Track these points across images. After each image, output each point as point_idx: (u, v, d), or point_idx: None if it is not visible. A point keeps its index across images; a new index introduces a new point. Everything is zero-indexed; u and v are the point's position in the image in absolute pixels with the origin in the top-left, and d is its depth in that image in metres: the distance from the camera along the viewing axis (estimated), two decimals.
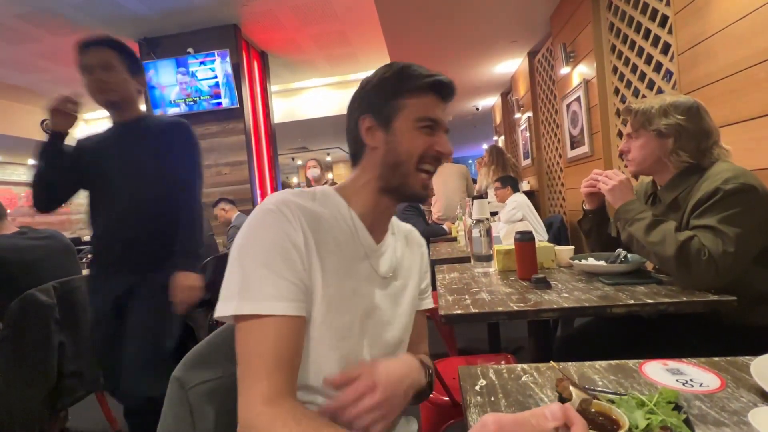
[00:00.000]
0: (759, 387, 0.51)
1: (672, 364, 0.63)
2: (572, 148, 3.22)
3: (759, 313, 1.03)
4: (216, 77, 3.67)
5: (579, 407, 0.44)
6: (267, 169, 4.34)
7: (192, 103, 3.76)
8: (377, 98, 0.65)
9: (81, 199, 1.45)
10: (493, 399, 0.59)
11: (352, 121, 0.67)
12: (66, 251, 1.84)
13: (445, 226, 3.30)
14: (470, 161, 11.96)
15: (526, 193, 3.87)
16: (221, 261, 2.50)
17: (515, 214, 3.01)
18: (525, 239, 1.30)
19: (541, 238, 2.99)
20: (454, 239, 2.87)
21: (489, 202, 4.00)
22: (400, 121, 0.64)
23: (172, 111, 3.79)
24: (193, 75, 3.70)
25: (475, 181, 4.46)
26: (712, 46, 1.62)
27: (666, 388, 0.50)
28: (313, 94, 5.97)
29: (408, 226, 0.81)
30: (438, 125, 0.65)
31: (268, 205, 0.58)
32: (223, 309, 0.53)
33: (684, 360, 0.64)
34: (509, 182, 3.24)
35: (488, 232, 1.49)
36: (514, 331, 2.45)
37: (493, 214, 3.47)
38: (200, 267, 2.34)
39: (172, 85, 3.74)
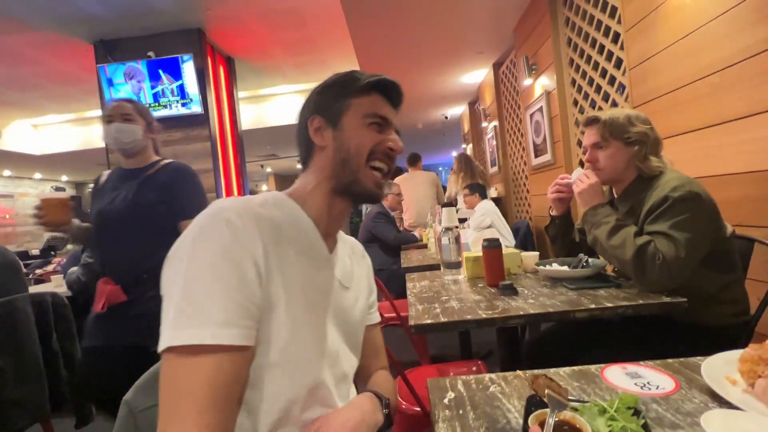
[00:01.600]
0: (710, 387, 0.54)
1: (630, 367, 0.65)
2: (536, 156, 3.34)
3: (709, 313, 1.09)
4: (178, 84, 3.54)
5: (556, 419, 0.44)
6: (234, 176, 4.21)
7: (154, 109, 3.60)
8: (325, 99, 0.64)
9: (27, 210, 1.40)
10: (461, 412, 0.58)
11: (301, 124, 0.65)
12: (9, 268, 1.70)
13: (416, 233, 3.33)
14: (440, 169, 12.17)
15: (494, 199, 3.98)
16: None
17: (484, 221, 3.08)
18: (492, 246, 1.32)
19: (509, 243, 3.08)
20: (425, 246, 2.89)
21: (458, 209, 4.08)
22: (348, 117, 0.63)
23: None
24: (153, 81, 3.55)
25: (445, 189, 4.53)
26: (659, 62, 1.73)
27: (626, 393, 0.52)
28: (283, 100, 5.89)
29: (351, 238, 0.78)
30: (387, 123, 0.65)
31: (223, 214, 0.51)
32: (160, 345, 0.45)
33: (642, 363, 0.66)
34: (477, 189, 3.31)
35: (457, 239, 1.51)
36: (486, 334, 2.50)
37: (463, 221, 3.54)
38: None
39: (130, 91, 3.57)
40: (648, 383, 0.59)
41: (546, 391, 0.48)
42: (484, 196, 3.32)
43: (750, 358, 0.53)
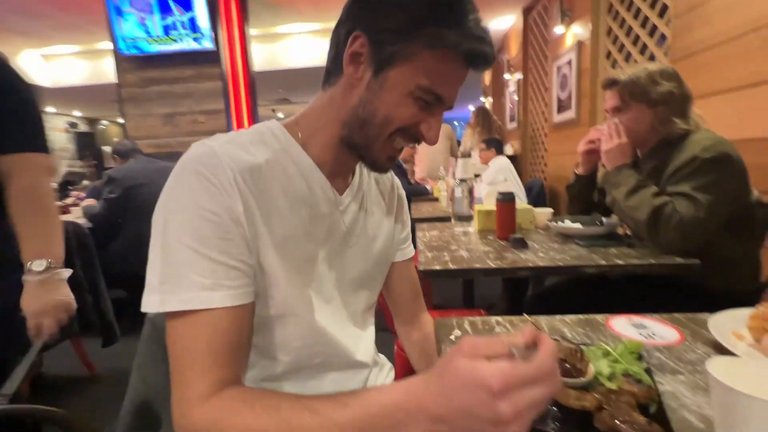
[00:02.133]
0: (714, 340, 0.55)
1: (636, 319, 0.66)
2: (558, 112, 3.19)
3: (720, 277, 1.09)
4: (189, 17, 3.37)
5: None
6: (246, 120, 4.14)
7: (164, 43, 3.47)
8: (386, 24, 0.47)
9: None
10: None
11: (342, 29, 0.51)
12: None
13: (427, 186, 3.30)
14: (456, 123, 11.79)
15: (509, 157, 3.88)
16: None
17: (498, 177, 3.03)
18: (506, 200, 1.31)
19: (521, 201, 3.04)
20: (436, 200, 2.88)
21: (473, 164, 4.00)
22: (398, 73, 0.47)
23: (144, 51, 3.50)
24: (164, 13, 3.39)
25: (459, 143, 4.42)
26: (710, 10, 1.58)
27: (630, 340, 0.53)
28: (297, 40, 5.61)
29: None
30: (441, 104, 0.51)
31: (191, 164, 0.45)
32: (147, 303, 0.44)
33: (647, 315, 0.67)
34: (494, 144, 3.22)
35: (470, 192, 1.49)
36: (488, 289, 2.55)
37: (477, 176, 3.48)
38: None
39: (142, 23, 3.42)
40: (652, 334, 0.61)
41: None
42: (500, 151, 3.23)
43: (761, 315, 0.53)
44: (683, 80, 1.13)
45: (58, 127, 9.41)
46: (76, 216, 2.64)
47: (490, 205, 1.43)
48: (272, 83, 6.93)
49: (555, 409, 0.42)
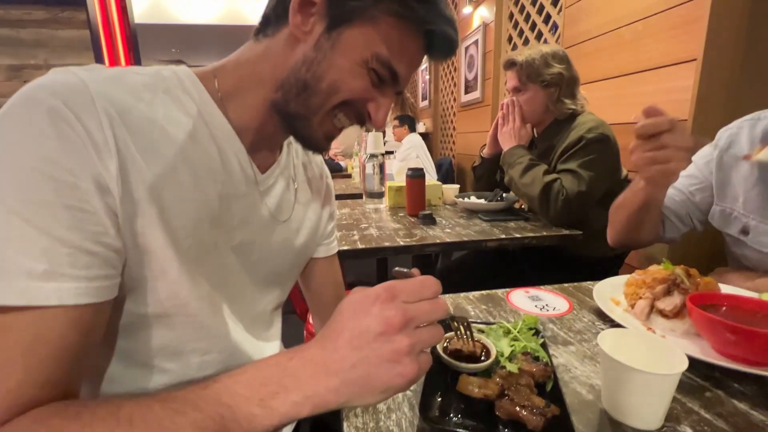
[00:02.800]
0: (598, 308, 0.59)
1: (532, 291, 0.69)
2: (466, 92, 3.32)
3: (595, 246, 1.23)
4: None
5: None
6: None
7: None
8: None
9: None
10: None
11: None
12: None
13: (342, 163, 3.21)
14: None
15: (422, 134, 3.96)
16: None
17: (410, 154, 3.07)
18: (416, 176, 1.29)
19: (432, 178, 3.14)
20: (350, 176, 2.82)
21: (386, 141, 4.00)
22: (355, 33, 0.41)
23: None
24: None
25: None
26: (592, 3, 1.73)
27: (528, 315, 0.53)
28: None
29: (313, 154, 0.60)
30: (394, 83, 0.45)
31: (43, 95, 0.32)
32: None
33: (542, 287, 0.70)
34: (407, 121, 3.24)
35: (381, 167, 1.45)
36: (402, 264, 2.61)
37: (390, 153, 3.49)
38: None
39: None
40: (546, 305, 0.63)
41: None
42: (413, 129, 3.27)
43: (634, 282, 0.58)
44: (572, 63, 1.22)
45: None
46: None
47: (401, 181, 1.41)
48: (163, 39, 5.99)
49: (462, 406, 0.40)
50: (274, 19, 0.43)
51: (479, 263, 1.43)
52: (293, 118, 0.44)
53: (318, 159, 0.61)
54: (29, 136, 0.31)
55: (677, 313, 0.51)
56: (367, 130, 3.83)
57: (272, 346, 0.55)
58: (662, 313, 0.52)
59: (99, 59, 3.06)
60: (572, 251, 1.22)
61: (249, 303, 0.50)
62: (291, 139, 0.53)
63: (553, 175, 1.13)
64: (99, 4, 3.13)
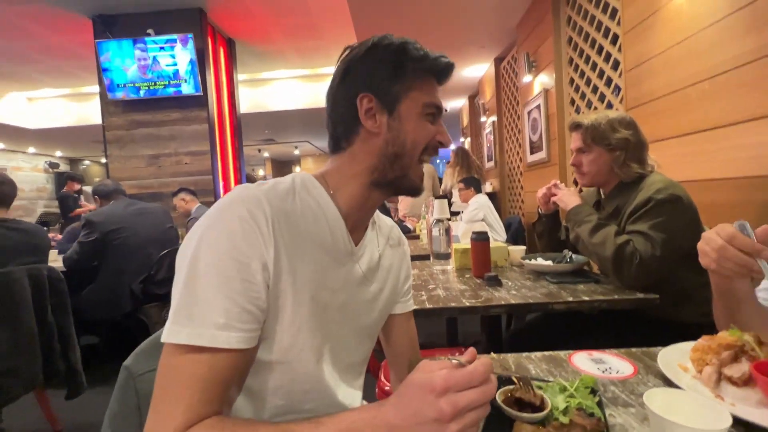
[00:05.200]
0: (664, 374, 0.59)
1: (596, 354, 0.70)
2: (531, 153, 3.37)
3: (682, 311, 1.15)
4: (177, 62, 3.51)
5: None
6: (231, 160, 4.22)
7: (153, 88, 3.58)
8: (379, 76, 0.56)
9: (20, 184, 1.37)
10: None
11: (344, 99, 0.58)
12: (40, 252, 1.82)
13: (409, 224, 3.37)
14: (438, 161, 12.16)
15: (489, 194, 4.02)
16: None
17: (477, 214, 3.13)
18: (480, 239, 1.37)
19: (500, 238, 3.13)
20: (418, 237, 2.94)
21: (453, 202, 4.11)
22: (406, 105, 0.57)
23: (132, 95, 3.59)
24: (154, 58, 3.52)
25: (441, 181, 4.57)
26: (654, 65, 1.77)
27: (587, 375, 0.56)
28: (282, 85, 5.85)
29: (390, 221, 0.73)
30: (440, 113, 0.60)
31: (237, 207, 0.48)
32: (165, 334, 0.45)
33: (606, 351, 0.71)
34: (472, 183, 3.35)
35: (447, 231, 1.55)
36: (472, 326, 2.56)
37: (456, 213, 3.58)
38: (157, 259, 2.27)
39: (130, 68, 3.53)
40: (609, 368, 0.64)
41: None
42: (478, 190, 3.35)
43: (701, 348, 0.58)
44: (639, 128, 1.24)
45: (38, 167, 9.28)
46: (51, 259, 2.57)
47: (467, 243, 1.48)
48: (258, 124, 7.11)
49: None
50: (343, 136, 0.59)
51: (551, 327, 1.40)
52: (395, 181, 0.58)
53: (397, 230, 0.74)
54: (227, 230, 0.47)
55: (747, 381, 0.51)
56: (435, 193, 3.97)
57: (358, 394, 0.65)
58: (731, 381, 0.52)
59: (213, 144, 3.77)
60: (656, 315, 1.15)
61: (345, 354, 0.60)
62: (375, 218, 0.67)
63: (625, 237, 1.11)
64: (217, 104, 3.92)
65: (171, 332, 0.44)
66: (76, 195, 5.57)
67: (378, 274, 0.64)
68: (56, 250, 2.61)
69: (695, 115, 1.53)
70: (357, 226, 0.60)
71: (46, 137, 7.33)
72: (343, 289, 0.57)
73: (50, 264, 1.84)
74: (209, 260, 0.45)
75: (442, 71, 0.59)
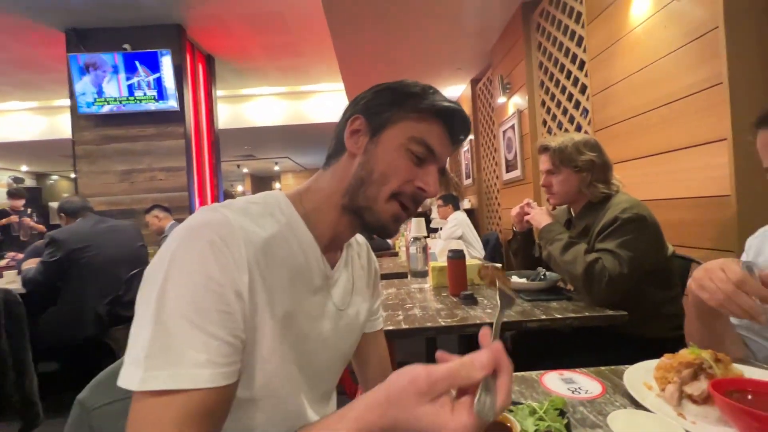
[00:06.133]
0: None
1: (566, 374, 0.71)
2: (507, 171, 3.47)
3: (649, 326, 1.19)
4: (155, 77, 3.47)
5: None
6: (208, 176, 4.15)
7: (127, 102, 3.51)
8: (377, 102, 0.55)
9: None
10: None
11: (343, 119, 0.57)
12: None
13: (389, 241, 3.37)
14: None
15: (467, 211, 4.09)
16: None
17: (455, 231, 3.17)
18: (456, 257, 1.38)
19: (479, 254, 3.17)
20: (396, 254, 2.94)
21: (432, 219, 4.15)
22: (391, 132, 0.54)
23: (105, 109, 3.50)
24: (129, 73, 3.46)
25: None
26: (618, 90, 1.87)
27: (556, 396, 0.57)
28: (262, 101, 5.85)
29: (361, 238, 0.70)
30: (433, 158, 0.55)
31: (206, 231, 0.44)
32: (126, 377, 0.40)
33: (577, 370, 0.72)
34: (451, 200, 3.40)
35: (424, 249, 1.56)
36: (451, 343, 2.56)
37: (436, 230, 3.62)
38: (126, 279, 2.17)
39: (104, 83, 3.46)
40: (579, 388, 0.65)
41: (498, 284, 0.49)
42: (457, 207, 3.41)
43: (663, 366, 0.59)
44: (603, 150, 1.30)
45: (1, 182, 8.84)
46: (7, 281, 2.43)
47: (444, 261, 1.49)
48: (238, 140, 7.04)
49: None
50: (334, 152, 0.58)
51: (527, 344, 1.41)
52: (361, 210, 0.54)
53: (366, 248, 0.70)
54: (196, 259, 0.42)
55: (707, 399, 0.52)
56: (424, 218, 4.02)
57: None
58: (691, 399, 0.53)
59: (189, 160, 3.70)
60: (626, 331, 1.18)
61: (321, 383, 0.58)
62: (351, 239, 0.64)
63: (594, 255, 1.15)
64: (194, 120, 3.87)
65: (144, 379, 0.38)
66: (27, 213, 5.00)
67: (354, 298, 0.62)
68: (14, 271, 2.46)
69: (656, 137, 1.62)
70: (330, 248, 0.58)
71: (11, 151, 7.02)
72: (321, 316, 0.55)
73: (7, 285, 1.73)
74: (179, 292, 0.41)
75: (444, 113, 0.54)
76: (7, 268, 2.85)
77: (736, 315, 0.58)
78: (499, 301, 0.45)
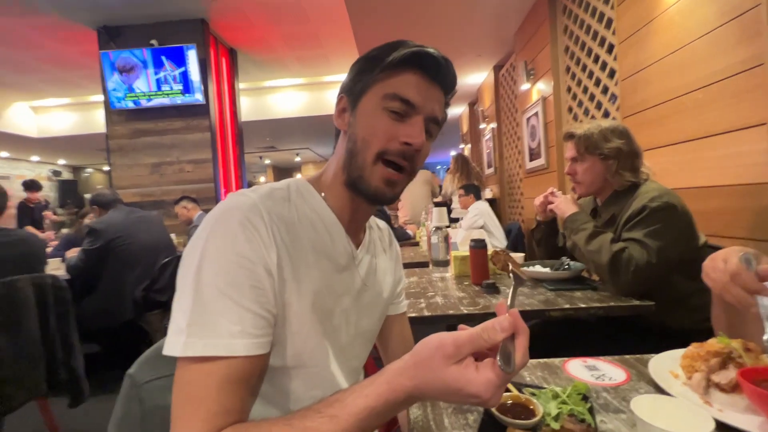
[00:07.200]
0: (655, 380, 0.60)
1: (590, 361, 0.71)
2: (531, 159, 3.40)
3: (678, 316, 1.16)
4: (181, 72, 3.56)
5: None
6: (233, 167, 4.25)
7: (155, 97, 3.63)
8: (351, 76, 0.57)
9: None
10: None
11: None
12: (34, 257, 1.81)
13: (409, 231, 3.39)
14: (438, 167, 12.21)
15: (489, 200, 4.04)
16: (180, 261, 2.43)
17: (476, 221, 3.15)
18: (478, 246, 1.38)
19: (500, 244, 3.14)
20: (417, 244, 2.95)
21: (453, 209, 4.13)
22: (366, 98, 0.54)
23: (135, 104, 3.63)
24: (156, 68, 3.57)
25: (441, 188, 4.59)
26: (649, 74, 1.79)
27: (579, 382, 0.58)
28: (283, 93, 5.91)
29: (383, 224, 0.73)
30: (413, 109, 0.53)
31: (236, 213, 0.47)
32: (170, 345, 0.44)
33: (601, 357, 0.73)
34: (472, 190, 3.37)
35: (446, 238, 1.57)
36: None
37: (456, 220, 3.60)
38: (159, 267, 2.29)
39: (134, 78, 3.59)
40: (602, 375, 0.66)
41: (510, 267, 0.52)
42: (478, 197, 3.37)
43: (691, 355, 0.59)
44: (633, 137, 1.26)
45: (41, 175, 9.34)
46: (52, 267, 2.59)
47: (466, 250, 1.50)
48: (260, 131, 7.16)
49: None
50: (335, 137, 0.61)
51: (550, 333, 1.41)
52: (356, 182, 0.55)
53: (388, 232, 0.73)
54: (229, 238, 0.46)
55: (735, 388, 0.52)
56: (435, 199, 3.97)
57: None
58: (719, 387, 0.53)
59: (215, 152, 3.80)
60: (651, 321, 1.16)
61: (349, 357, 0.61)
62: (371, 221, 0.67)
63: (621, 244, 1.13)
64: (218, 113, 3.97)
65: (186, 345, 0.43)
66: (44, 204, 4.98)
67: (376, 278, 0.65)
68: (59, 258, 2.63)
69: (689, 123, 1.55)
70: (354, 228, 0.60)
71: (49, 145, 7.40)
72: (346, 294, 0.58)
73: (53, 272, 1.86)
74: (215, 269, 0.45)
75: (411, 59, 0.52)
76: (50, 256, 3.05)
77: (733, 303, 0.60)
78: (513, 280, 0.49)
